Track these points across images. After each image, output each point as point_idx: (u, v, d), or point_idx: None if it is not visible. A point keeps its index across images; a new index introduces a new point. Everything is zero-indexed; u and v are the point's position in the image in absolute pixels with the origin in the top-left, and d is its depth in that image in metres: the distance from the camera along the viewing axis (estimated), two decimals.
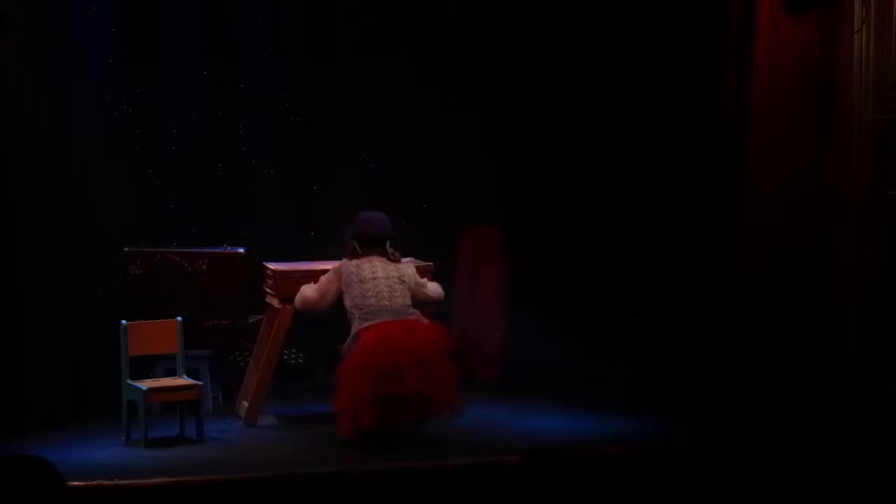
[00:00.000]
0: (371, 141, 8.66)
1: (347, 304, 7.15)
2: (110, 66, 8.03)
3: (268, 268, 7.54)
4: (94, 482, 5.92)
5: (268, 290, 7.55)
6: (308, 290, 7.27)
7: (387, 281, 7.17)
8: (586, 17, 8.56)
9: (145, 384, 7.00)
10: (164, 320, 7.20)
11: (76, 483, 5.70)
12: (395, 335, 6.95)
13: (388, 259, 7.29)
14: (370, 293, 7.10)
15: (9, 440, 6.79)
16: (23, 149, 7.24)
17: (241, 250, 7.83)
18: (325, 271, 7.38)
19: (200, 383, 7.24)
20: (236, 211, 8.46)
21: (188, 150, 8.36)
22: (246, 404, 7.45)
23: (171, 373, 7.30)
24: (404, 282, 7.21)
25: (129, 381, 7.00)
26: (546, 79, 8.70)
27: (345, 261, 7.30)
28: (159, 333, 7.17)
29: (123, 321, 7.07)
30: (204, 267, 7.76)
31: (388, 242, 7.34)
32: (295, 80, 8.63)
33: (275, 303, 7.42)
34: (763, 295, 7.68)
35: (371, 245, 7.29)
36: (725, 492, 5.94)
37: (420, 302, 7.30)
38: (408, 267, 7.35)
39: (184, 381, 7.15)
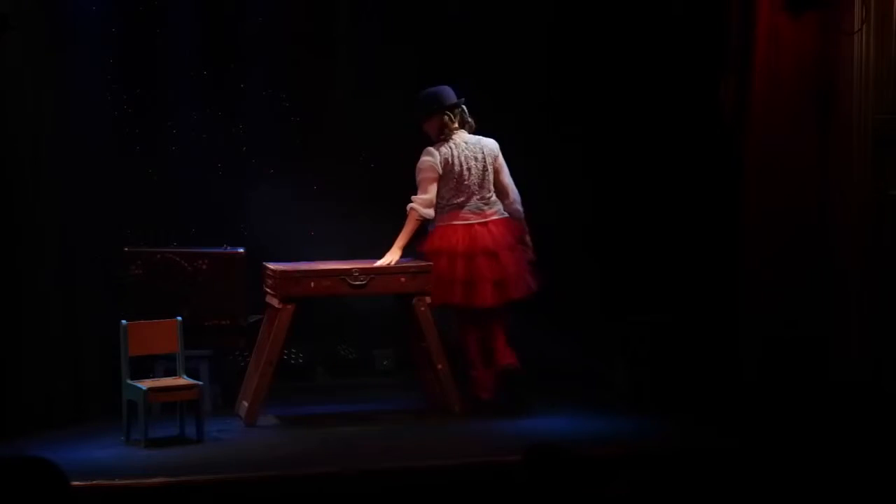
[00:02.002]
0: (371, 140, 8.65)
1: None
2: (110, 66, 8.03)
3: (268, 268, 7.53)
4: (94, 482, 5.92)
5: (268, 290, 7.55)
6: (418, 200, 7.27)
7: (476, 165, 7.15)
8: (587, 16, 8.56)
9: (145, 384, 6.99)
10: (164, 320, 7.19)
11: (76, 483, 5.69)
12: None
13: (469, 130, 7.24)
14: (463, 189, 7.16)
15: (9, 440, 6.80)
16: (23, 149, 7.24)
17: (241, 250, 7.82)
18: (325, 271, 7.37)
19: (200, 383, 7.23)
20: (236, 211, 8.45)
21: (188, 150, 8.36)
22: (246, 404, 7.45)
23: (171, 373, 7.30)
24: (485, 162, 7.21)
25: (129, 381, 7.00)
26: (546, 78, 8.70)
27: (432, 150, 7.25)
28: (159, 333, 7.16)
29: (123, 321, 7.07)
30: (204, 267, 7.75)
31: (465, 109, 7.34)
32: (295, 80, 8.63)
33: (275, 303, 7.42)
34: (763, 295, 7.69)
35: (455, 116, 7.26)
36: (725, 492, 5.95)
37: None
38: (489, 142, 7.27)
39: (184, 381, 7.15)
